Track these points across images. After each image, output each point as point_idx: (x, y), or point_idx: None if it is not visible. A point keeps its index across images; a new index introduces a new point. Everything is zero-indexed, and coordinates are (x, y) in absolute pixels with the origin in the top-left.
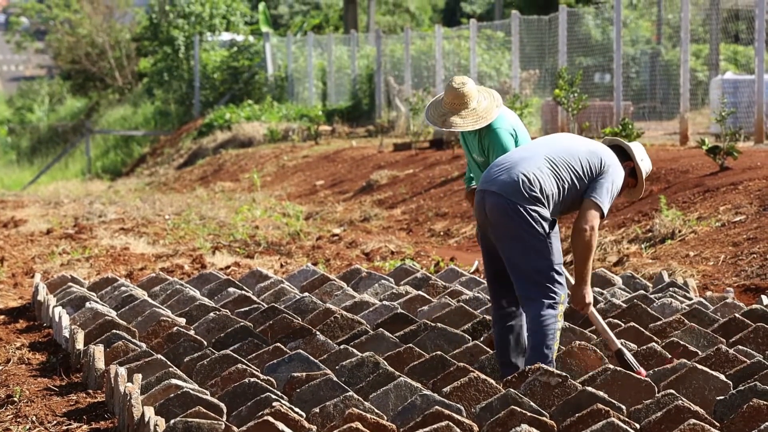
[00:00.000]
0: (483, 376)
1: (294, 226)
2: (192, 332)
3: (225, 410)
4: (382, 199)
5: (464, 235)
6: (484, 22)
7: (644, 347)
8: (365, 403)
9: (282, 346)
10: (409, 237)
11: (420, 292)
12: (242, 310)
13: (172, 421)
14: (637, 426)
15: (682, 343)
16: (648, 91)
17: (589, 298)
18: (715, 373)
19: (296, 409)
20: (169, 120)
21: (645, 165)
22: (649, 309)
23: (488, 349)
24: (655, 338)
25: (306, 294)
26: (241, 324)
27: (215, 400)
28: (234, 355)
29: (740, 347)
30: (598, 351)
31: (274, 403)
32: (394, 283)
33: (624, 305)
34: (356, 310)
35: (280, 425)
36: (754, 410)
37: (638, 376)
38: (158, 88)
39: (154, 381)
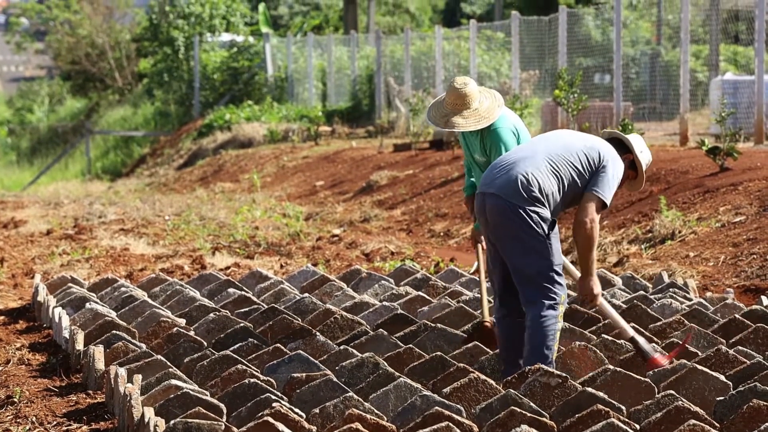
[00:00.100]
0: (483, 377)
1: (294, 226)
2: (192, 333)
3: (225, 411)
4: (382, 200)
5: (464, 236)
6: (484, 22)
7: None
8: (365, 403)
9: (282, 347)
10: (409, 238)
11: (420, 293)
12: (242, 310)
13: (172, 422)
14: (637, 426)
15: (691, 325)
16: (648, 91)
17: (597, 288)
18: (715, 374)
19: (296, 410)
20: (169, 121)
21: (644, 157)
22: (649, 310)
23: (488, 350)
24: (656, 339)
25: (306, 295)
26: (241, 325)
27: (215, 401)
28: (234, 355)
29: (740, 348)
30: (598, 352)
31: (274, 404)
32: (394, 283)
33: (624, 306)
34: (356, 310)
35: (280, 426)
36: (754, 411)
37: (661, 362)
38: (158, 89)
39: (154, 382)
